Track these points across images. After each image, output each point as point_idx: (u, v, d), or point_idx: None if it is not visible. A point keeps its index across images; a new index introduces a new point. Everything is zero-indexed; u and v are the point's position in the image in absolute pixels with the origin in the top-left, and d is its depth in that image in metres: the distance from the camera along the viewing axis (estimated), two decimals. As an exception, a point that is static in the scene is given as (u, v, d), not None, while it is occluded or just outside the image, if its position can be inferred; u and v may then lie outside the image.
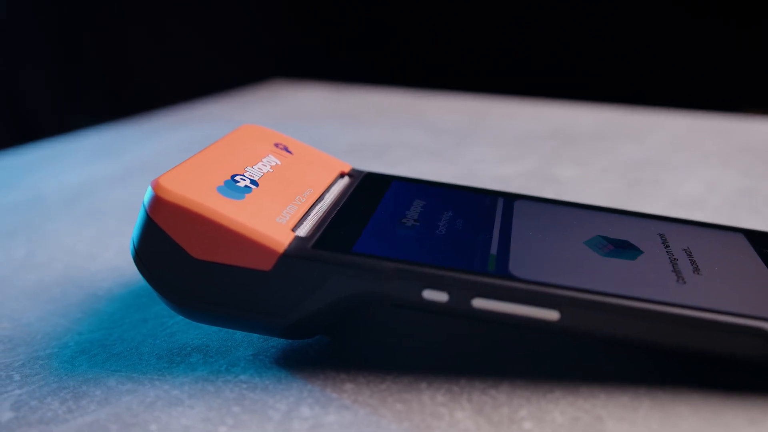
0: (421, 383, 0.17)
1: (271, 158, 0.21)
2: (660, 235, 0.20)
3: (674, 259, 0.18)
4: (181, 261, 0.17)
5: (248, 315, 0.17)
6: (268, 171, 0.20)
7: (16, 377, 0.18)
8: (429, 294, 0.16)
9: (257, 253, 0.17)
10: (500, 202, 0.21)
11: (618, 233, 0.20)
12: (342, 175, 0.22)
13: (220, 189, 0.18)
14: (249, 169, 0.19)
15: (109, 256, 0.25)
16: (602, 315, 0.16)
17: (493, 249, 0.18)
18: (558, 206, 0.21)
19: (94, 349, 0.19)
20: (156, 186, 0.17)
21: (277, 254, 0.17)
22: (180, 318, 0.20)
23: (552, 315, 0.16)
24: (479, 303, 0.16)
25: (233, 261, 0.17)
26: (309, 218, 0.19)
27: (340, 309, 0.17)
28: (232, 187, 0.18)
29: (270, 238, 0.17)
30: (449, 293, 0.16)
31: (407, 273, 0.16)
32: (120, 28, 0.68)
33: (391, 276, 0.16)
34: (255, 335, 0.19)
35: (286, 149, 0.22)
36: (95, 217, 0.29)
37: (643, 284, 0.17)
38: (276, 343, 0.19)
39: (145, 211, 0.17)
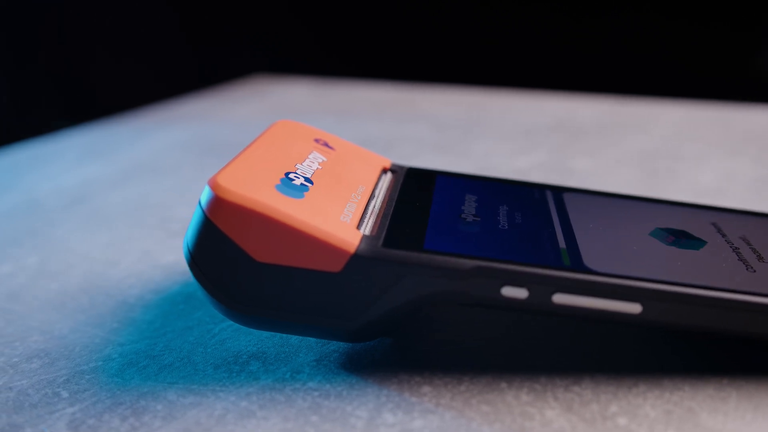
0: (500, 383, 0.16)
1: (316, 155, 0.20)
2: (713, 224, 0.20)
3: (735, 248, 0.18)
4: (243, 265, 0.16)
5: (314, 319, 0.16)
6: (318, 168, 0.19)
7: (64, 394, 0.17)
8: (508, 291, 0.16)
9: (327, 254, 0.16)
10: (549, 195, 0.21)
11: (675, 224, 0.19)
12: (384, 171, 0.21)
13: (278, 188, 0.17)
14: (299, 166, 0.19)
15: (129, 261, 0.24)
16: (684, 306, 0.16)
17: (561, 243, 0.17)
18: (607, 198, 0.21)
19: (142, 361, 0.18)
20: (215, 186, 0.16)
21: (347, 255, 0.16)
22: (226, 324, 0.19)
23: (634, 308, 0.16)
24: (560, 299, 0.16)
25: (300, 263, 0.16)
26: (368, 216, 0.18)
27: (410, 309, 0.16)
28: (288, 185, 0.17)
29: (339, 238, 0.16)
30: (529, 289, 0.16)
31: (486, 270, 0.16)
32: (94, 24, 0.66)
33: (468, 274, 0.16)
34: (312, 339, 0.18)
35: (326, 145, 0.21)
36: (102, 221, 0.28)
37: (717, 274, 0.17)
38: (337, 346, 0.18)
39: (203, 212, 0.16)
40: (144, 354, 0.18)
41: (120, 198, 0.30)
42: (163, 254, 0.24)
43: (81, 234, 0.27)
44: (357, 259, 0.16)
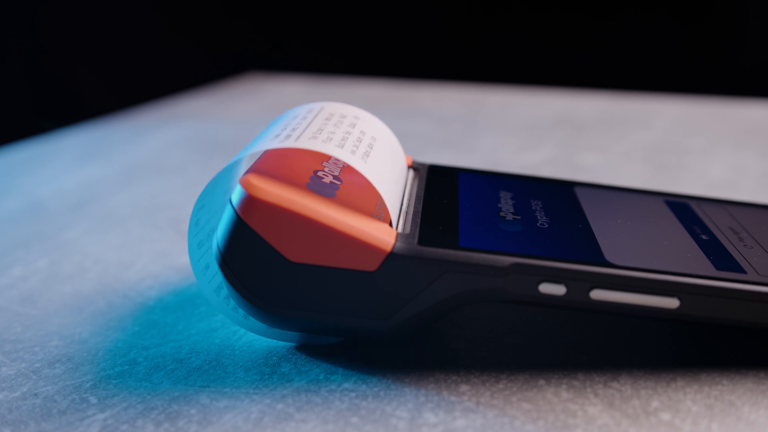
0: (537, 380, 0.16)
1: (340, 152, 0.20)
2: (729, 217, 0.20)
3: (760, 240, 0.18)
4: (276, 265, 0.16)
5: (347, 320, 0.16)
6: (344, 165, 0.19)
7: (93, 400, 0.16)
8: (546, 288, 0.16)
9: (363, 253, 0.16)
10: (577, 191, 0.21)
11: (696, 216, 0.20)
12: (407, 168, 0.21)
13: (309, 186, 0.17)
14: (326, 164, 0.18)
15: (144, 263, 0.23)
16: (721, 300, 0.16)
17: (596, 238, 0.17)
18: (630, 194, 0.21)
19: (169, 364, 0.17)
20: (248, 184, 0.16)
21: (384, 253, 0.16)
22: (252, 325, 0.19)
23: (671, 303, 0.16)
24: (597, 294, 0.16)
25: (335, 263, 0.16)
26: (399, 214, 0.18)
27: (445, 308, 0.16)
28: (318, 183, 0.17)
29: (376, 236, 0.16)
30: (567, 286, 0.16)
31: (524, 267, 0.16)
32: (84, 23, 0.65)
33: (506, 271, 0.16)
34: (342, 339, 0.18)
35: (348, 142, 0.21)
36: (111, 222, 0.27)
37: (749, 267, 0.17)
38: (368, 346, 0.18)
39: (235, 212, 0.16)
40: (170, 357, 0.18)
41: (126, 199, 0.30)
42: (178, 255, 0.24)
43: (90, 236, 0.26)
44: (394, 258, 0.16)
